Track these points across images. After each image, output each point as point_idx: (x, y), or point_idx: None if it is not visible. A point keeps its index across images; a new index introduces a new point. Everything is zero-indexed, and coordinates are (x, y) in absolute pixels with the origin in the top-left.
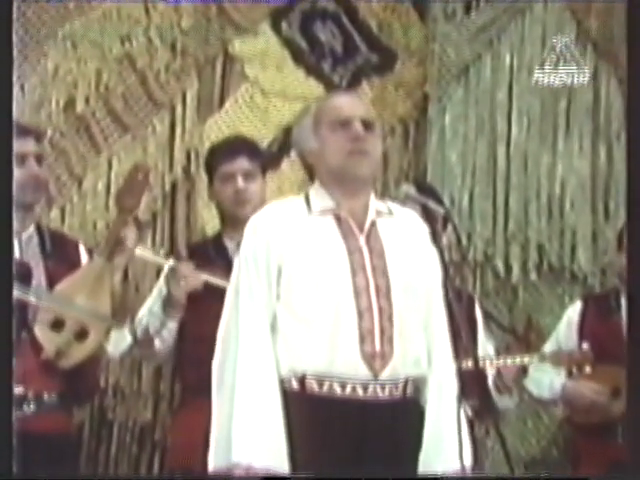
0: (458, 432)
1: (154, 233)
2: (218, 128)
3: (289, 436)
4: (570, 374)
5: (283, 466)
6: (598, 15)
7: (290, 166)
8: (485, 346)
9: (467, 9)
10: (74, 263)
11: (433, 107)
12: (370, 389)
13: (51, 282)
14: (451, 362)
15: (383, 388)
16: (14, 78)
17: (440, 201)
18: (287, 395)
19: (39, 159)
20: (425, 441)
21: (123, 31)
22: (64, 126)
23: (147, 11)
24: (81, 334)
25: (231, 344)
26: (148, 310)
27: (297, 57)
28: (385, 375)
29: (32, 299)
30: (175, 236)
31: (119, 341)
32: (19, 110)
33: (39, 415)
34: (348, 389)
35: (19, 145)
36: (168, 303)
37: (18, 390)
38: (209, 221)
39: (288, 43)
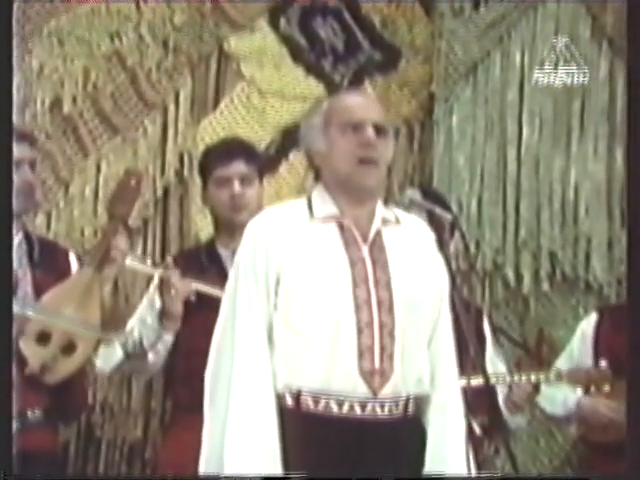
0: (464, 453)
1: (145, 240)
2: (213, 130)
3: (283, 455)
4: (587, 392)
5: None
6: (615, 11)
7: (288, 170)
8: (495, 362)
9: (475, 4)
10: (64, 273)
11: (439, 108)
12: (369, 407)
13: (38, 292)
14: (456, 380)
15: (382, 406)
16: None
17: (447, 207)
18: (281, 412)
19: (33, 165)
20: (428, 462)
21: (112, 27)
22: (50, 127)
23: (138, 6)
24: (68, 348)
25: (226, 355)
26: (140, 321)
27: (296, 55)
28: (384, 393)
29: (16, 310)
30: (167, 243)
31: (109, 355)
32: None
33: (22, 433)
34: (345, 407)
35: (15, 151)
36: (163, 315)
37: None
38: (203, 228)
39: (286, 40)
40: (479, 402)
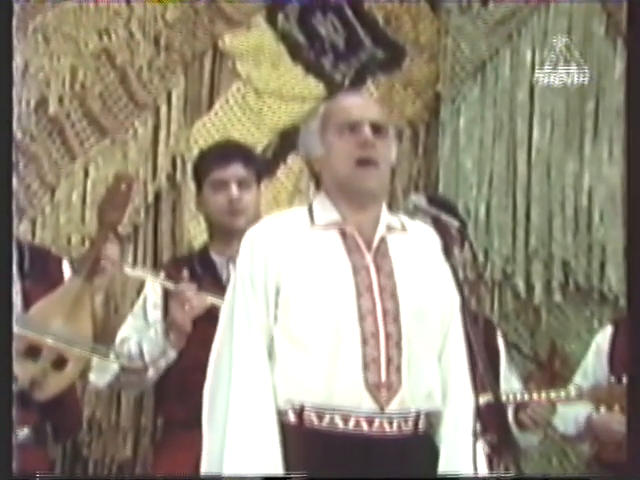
0: (475, 472)
1: (135, 248)
2: (207, 132)
3: (286, 473)
4: (598, 409)
5: None
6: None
7: (286, 174)
8: (508, 378)
9: (484, 0)
10: (56, 283)
11: (446, 108)
12: (376, 423)
13: (28, 304)
14: (470, 395)
15: (391, 422)
16: None
17: (453, 214)
18: (283, 428)
19: None
20: None
21: (101, 23)
22: (35, 129)
23: (128, 1)
24: (59, 362)
25: (224, 371)
26: (137, 333)
27: (295, 53)
28: (392, 408)
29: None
30: (159, 251)
31: (104, 369)
32: None
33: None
34: (351, 423)
35: None
36: (171, 330)
37: None
38: (196, 235)
39: (285, 37)
40: (488, 419)
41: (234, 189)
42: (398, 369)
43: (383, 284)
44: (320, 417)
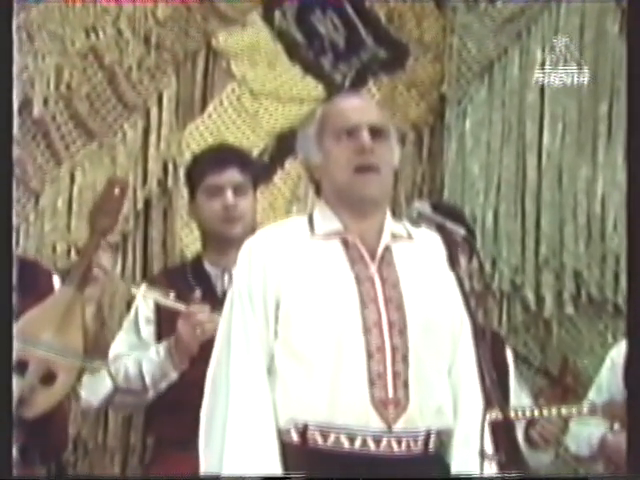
0: None
1: (124, 258)
2: (200, 135)
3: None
4: (612, 428)
5: None
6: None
7: (284, 180)
8: (519, 394)
9: None
10: (45, 296)
11: (451, 111)
12: (383, 442)
13: (16, 317)
14: (481, 411)
15: (399, 442)
16: None
17: (459, 221)
18: (286, 449)
19: None
20: None
21: (88, 21)
22: (18, 132)
23: None
24: (47, 377)
25: (221, 390)
26: (133, 350)
27: (292, 52)
28: (400, 426)
29: None
30: (149, 261)
31: (96, 386)
32: None
33: None
34: (357, 442)
35: None
36: (176, 352)
37: None
38: (189, 244)
39: (282, 36)
40: (496, 437)
41: (230, 195)
42: (406, 384)
43: (389, 295)
44: (324, 436)
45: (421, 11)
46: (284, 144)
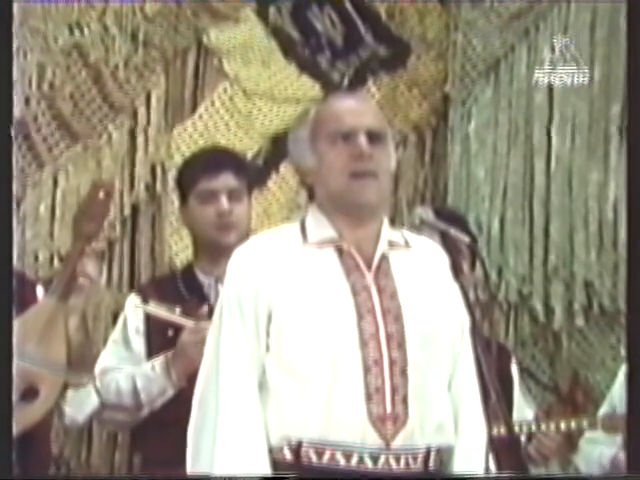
0: None
1: (110, 266)
2: (190, 137)
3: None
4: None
5: None
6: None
7: (279, 184)
8: (523, 410)
9: None
10: (27, 306)
11: (455, 111)
12: (381, 460)
13: None
14: (483, 427)
15: (398, 459)
16: None
17: (464, 228)
18: (277, 467)
19: None
20: None
21: (72, 16)
22: None
23: None
24: (29, 393)
25: (210, 407)
26: (124, 364)
27: (288, 50)
28: (399, 443)
29: None
30: (136, 270)
31: (82, 401)
32: None
33: None
34: (354, 460)
35: None
36: (176, 369)
37: None
38: (179, 251)
39: (277, 33)
40: (500, 455)
41: (224, 201)
42: (404, 399)
43: (386, 306)
44: (319, 454)
45: (423, 7)
46: (279, 147)
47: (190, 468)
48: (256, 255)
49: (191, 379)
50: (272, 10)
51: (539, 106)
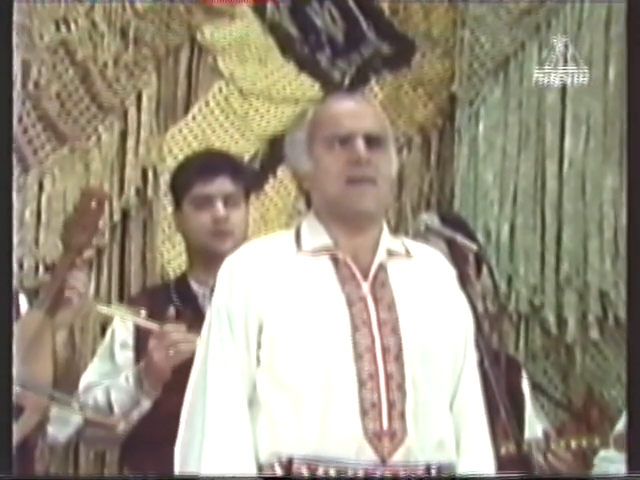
0: None
1: (99, 275)
2: (183, 139)
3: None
4: None
5: None
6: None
7: (276, 189)
8: (534, 428)
9: None
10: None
11: (462, 112)
12: (377, 477)
13: None
14: (487, 445)
15: (396, 476)
16: None
17: (471, 235)
18: None
19: None
20: None
21: (59, 12)
22: None
23: None
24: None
25: (197, 422)
26: (103, 379)
27: (286, 48)
28: (396, 460)
29: None
30: (127, 279)
31: (65, 421)
32: None
33: None
34: (349, 476)
35: None
36: (147, 377)
37: None
38: (171, 260)
39: (274, 29)
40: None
41: (220, 207)
42: (402, 415)
43: (383, 318)
44: (312, 470)
45: (429, 2)
46: (277, 149)
47: None
48: (247, 263)
49: (172, 392)
50: (269, 6)
51: (551, 106)
